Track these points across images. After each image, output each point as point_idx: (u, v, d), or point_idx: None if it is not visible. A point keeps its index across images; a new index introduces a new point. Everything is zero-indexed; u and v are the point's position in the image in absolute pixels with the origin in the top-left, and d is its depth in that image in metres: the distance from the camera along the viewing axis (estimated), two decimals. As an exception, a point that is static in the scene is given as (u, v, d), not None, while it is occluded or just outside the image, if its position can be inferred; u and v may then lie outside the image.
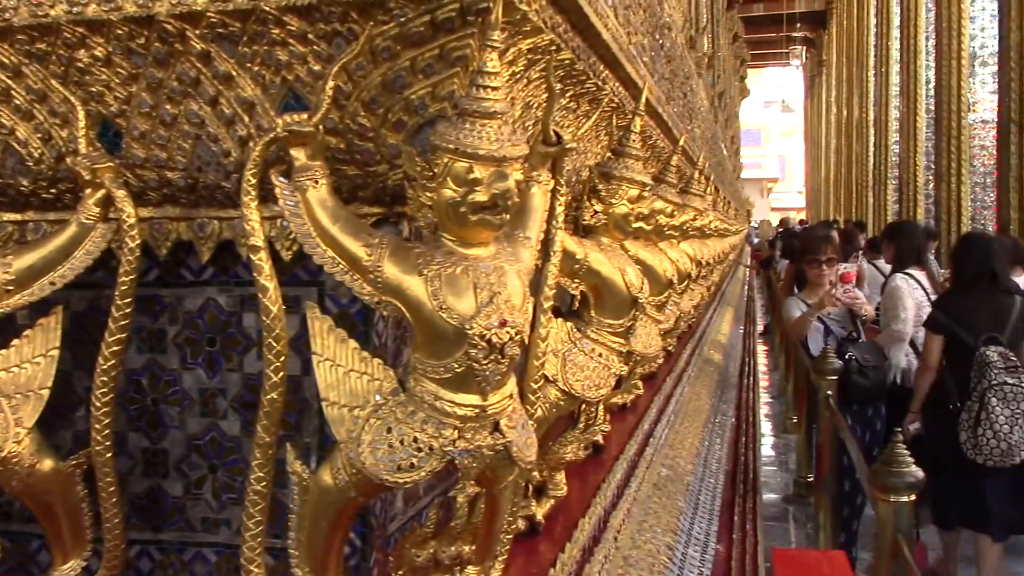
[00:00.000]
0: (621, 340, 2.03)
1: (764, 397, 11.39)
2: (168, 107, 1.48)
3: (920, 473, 2.99)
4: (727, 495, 4.24)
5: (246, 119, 1.45)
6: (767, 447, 9.15)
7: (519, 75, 1.59)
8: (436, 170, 1.30)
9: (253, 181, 1.33)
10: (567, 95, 1.95)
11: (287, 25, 1.35)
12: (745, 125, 38.04)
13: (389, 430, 1.33)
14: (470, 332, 1.28)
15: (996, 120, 11.70)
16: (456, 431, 1.33)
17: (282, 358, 1.37)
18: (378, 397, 1.37)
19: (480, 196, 1.28)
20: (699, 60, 7.42)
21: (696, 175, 3.62)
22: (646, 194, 2.03)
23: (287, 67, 1.40)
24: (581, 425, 2.10)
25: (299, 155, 1.35)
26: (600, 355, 1.99)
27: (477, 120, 1.28)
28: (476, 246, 1.34)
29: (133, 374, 1.69)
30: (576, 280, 1.96)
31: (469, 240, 1.34)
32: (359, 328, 1.59)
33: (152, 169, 1.54)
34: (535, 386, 1.60)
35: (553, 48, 1.62)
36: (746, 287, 15.68)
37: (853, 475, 4.92)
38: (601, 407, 2.76)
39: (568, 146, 1.53)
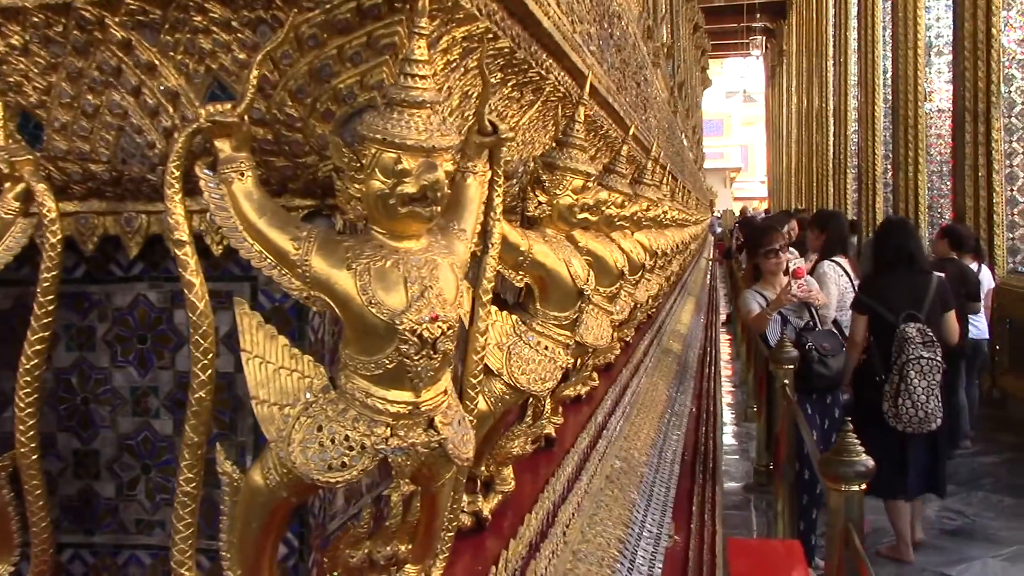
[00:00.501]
0: (568, 333, 2.01)
1: (727, 386, 11.47)
2: (90, 97, 1.43)
3: (870, 462, 3.01)
4: (686, 485, 4.25)
5: (170, 109, 1.40)
6: (729, 436, 9.20)
7: (455, 64, 1.56)
8: (364, 161, 1.26)
9: (176, 174, 1.29)
10: (509, 84, 1.92)
11: (209, 12, 1.31)
12: (707, 115, 38.26)
13: (320, 428, 1.30)
14: (400, 327, 1.25)
15: (951, 109, 11.82)
16: (389, 428, 1.30)
17: (210, 355, 1.34)
18: (308, 395, 1.33)
19: (409, 187, 1.24)
20: (657, 50, 7.41)
21: (650, 165, 3.60)
22: (591, 184, 2.00)
23: (211, 56, 1.36)
24: (529, 419, 2.08)
25: (224, 146, 1.31)
26: (546, 348, 1.97)
27: (405, 109, 1.25)
28: (407, 239, 1.31)
29: (62, 373, 1.64)
30: (521, 272, 1.93)
31: (400, 233, 1.30)
32: (293, 324, 1.55)
33: (75, 162, 1.49)
34: (475, 381, 1.58)
35: (490, 36, 1.59)
36: (708, 276, 15.76)
37: (812, 464, 4.99)
38: (550, 401, 2.75)
39: (504, 136, 1.50)
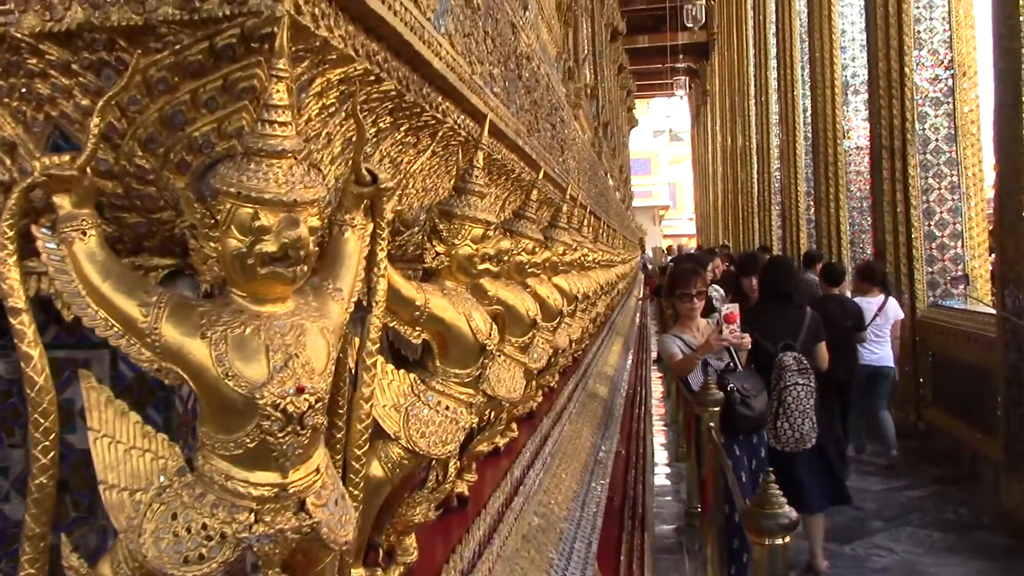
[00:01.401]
0: (470, 390, 1.89)
1: (659, 425, 11.42)
2: (-79, 150, 1.28)
3: (794, 514, 2.92)
4: (613, 533, 4.14)
5: (7, 161, 1.27)
6: (661, 477, 9.12)
7: (333, 108, 1.45)
8: (219, 217, 1.14)
9: (10, 233, 1.15)
10: (401, 129, 1.81)
11: (45, 54, 1.18)
12: (635, 154, 38.71)
13: (175, 516, 1.16)
14: (261, 402, 1.12)
15: (869, 146, 12.04)
16: (252, 514, 1.16)
17: (52, 436, 1.19)
18: (162, 478, 1.19)
19: (268, 246, 1.12)
20: (579, 91, 7.41)
21: (564, 208, 3.52)
22: (491, 233, 1.90)
23: (50, 102, 1.22)
24: (432, 482, 1.95)
25: (63, 202, 1.18)
26: (447, 408, 1.84)
27: (264, 159, 1.13)
28: (270, 302, 1.19)
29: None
30: (418, 328, 1.81)
31: (262, 295, 1.18)
32: (158, 394, 1.42)
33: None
34: (359, 452, 1.45)
35: (371, 79, 1.48)
36: (639, 315, 15.78)
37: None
38: (453, 462, 2.62)
39: (384, 185, 1.39)
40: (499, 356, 2.59)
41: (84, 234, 1.17)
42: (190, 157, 1.22)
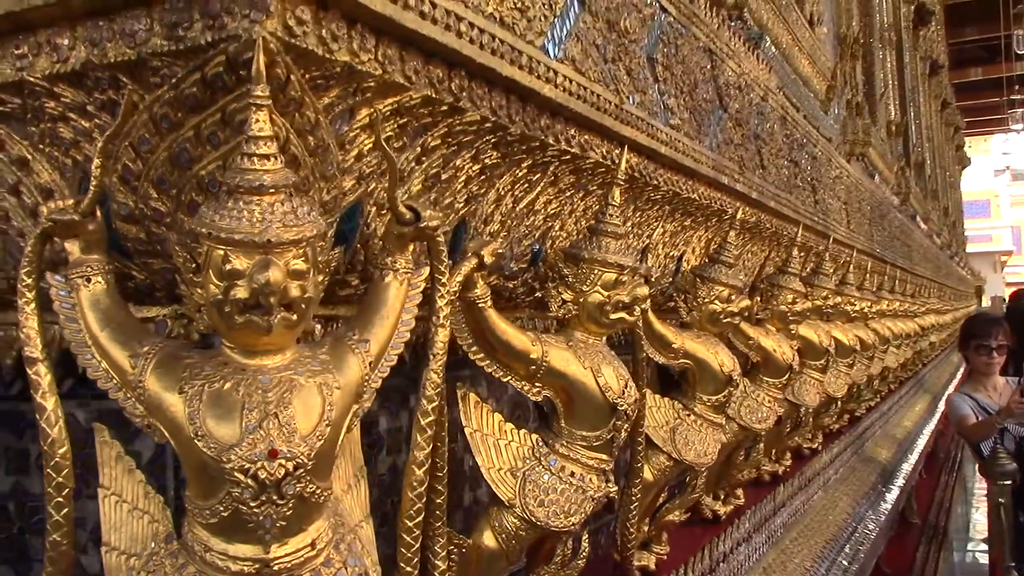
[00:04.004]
0: (602, 455, 1.67)
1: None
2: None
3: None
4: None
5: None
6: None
7: (401, 143, 1.32)
8: (200, 261, 1.04)
9: (28, 281, 1.13)
10: (523, 165, 1.65)
11: (61, 97, 1.15)
12: (970, 195, 35.63)
13: (158, 588, 1.07)
14: (227, 466, 1.00)
15: None
16: (232, 592, 1.04)
17: (65, 491, 1.14)
18: (153, 544, 1.10)
19: (241, 292, 1.01)
20: (866, 127, 6.85)
21: (797, 252, 3.18)
22: (625, 278, 1.68)
23: (75, 146, 1.20)
24: (560, 556, 1.74)
25: (72, 248, 1.14)
26: (572, 475, 1.64)
27: (241, 197, 1.02)
28: (261, 354, 1.07)
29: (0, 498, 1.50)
30: (537, 384, 1.64)
31: (250, 346, 1.06)
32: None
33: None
34: (410, 524, 1.29)
35: (444, 108, 1.34)
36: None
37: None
38: (650, 527, 2.38)
39: (428, 224, 1.23)
40: (688, 416, 2.35)
41: (88, 280, 1.12)
42: (200, 197, 1.15)
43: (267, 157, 1.03)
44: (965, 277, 20.39)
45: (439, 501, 1.51)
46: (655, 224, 2.34)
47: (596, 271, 1.67)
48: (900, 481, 4.93)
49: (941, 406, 8.45)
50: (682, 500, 2.43)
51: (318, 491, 1.06)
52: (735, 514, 2.93)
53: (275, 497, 1.01)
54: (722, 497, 3.07)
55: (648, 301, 2.24)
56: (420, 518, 1.30)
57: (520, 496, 1.61)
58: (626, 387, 1.68)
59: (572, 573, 1.75)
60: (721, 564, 2.41)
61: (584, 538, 1.77)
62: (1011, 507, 4.20)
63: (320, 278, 1.09)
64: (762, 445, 3.26)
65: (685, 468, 2.33)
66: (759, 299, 3.13)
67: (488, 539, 1.62)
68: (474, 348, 1.57)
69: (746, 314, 2.62)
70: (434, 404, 1.29)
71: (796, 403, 3.52)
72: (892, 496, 4.58)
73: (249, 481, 1.00)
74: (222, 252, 1.01)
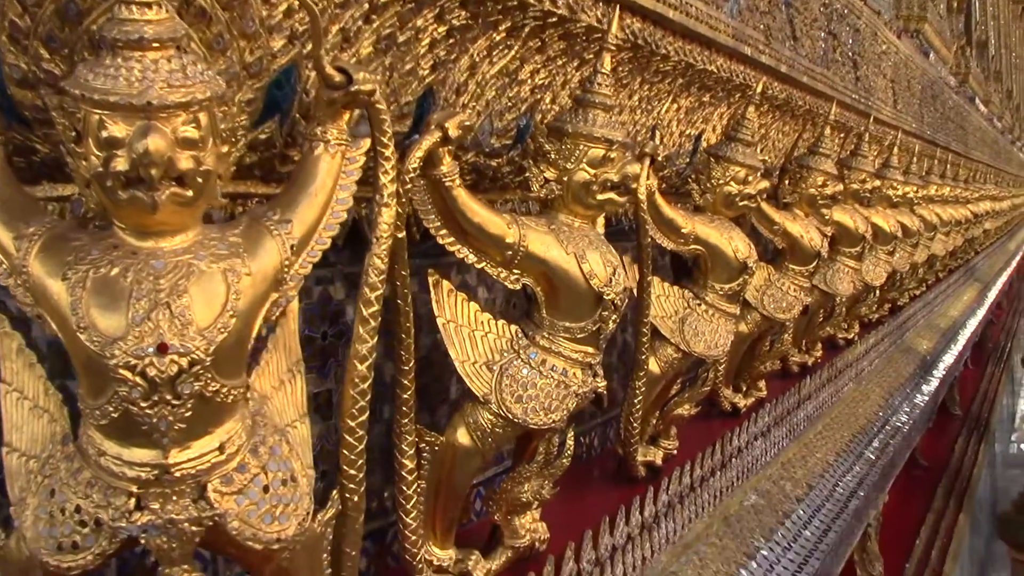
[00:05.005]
0: (587, 348, 1.54)
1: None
2: None
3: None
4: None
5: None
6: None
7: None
8: (79, 128, 0.91)
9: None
10: (500, 28, 1.48)
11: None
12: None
13: (52, 493, 0.97)
14: (111, 362, 0.88)
15: None
16: (133, 499, 0.94)
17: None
18: (50, 446, 1.00)
19: (120, 163, 0.87)
20: (922, 3, 6.45)
21: (828, 131, 2.96)
22: (615, 155, 1.51)
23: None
24: (541, 456, 1.62)
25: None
26: (553, 368, 1.52)
27: (120, 52, 0.88)
28: (156, 235, 0.94)
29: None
30: (515, 271, 1.50)
31: (143, 227, 0.93)
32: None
33: None
34: (352, 423, 1.18)
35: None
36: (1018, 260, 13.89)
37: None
38: (661, 420, 2.26)
39: (359, 88, 1.08)
40: (699, 306, 2.21)
41: (-27, 154, 0.99)
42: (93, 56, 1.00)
43: (149, 5, 0.88)
44: (1028, 163, 19.67)
45: (405, 396, 1.40)
46: (666, 99, 2.15)
47: (582, 146, 1.51)
48: (940, 372, 4.77)
49: (992, 295, 8.20)
50: (692, 393, 2.31)
51: (224, 390, 0.94)
52: (755, 407, 2.80)
53: (169, 397, 0.90)
54: (744, 389, 2.95)
55: (656, 183, 2.09)
56: (364, 417, 1.18)
57: (496, 391, 1.49)
58: (614, 275, 1.53)
59: (556, 472, 1.64)
60: (734, 459, 2.29)
61: (569, 436, 1.65)
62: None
63: (225, 148, 0.95)
64: (789, 336, 3.13)
65: (695, 360, 2.20)
66: (787, 181, 2.94)
67: (462, 436, 1.50)
68: (443, 231, 1.43)
69: (764, 196, 2.46)
70: (377, 292, 1.16)
71: (828, 292, 3.36)
72: (930, 387, 4.43)
73: (137, 379, 0.88)
74: (98, 117, 0.87)
